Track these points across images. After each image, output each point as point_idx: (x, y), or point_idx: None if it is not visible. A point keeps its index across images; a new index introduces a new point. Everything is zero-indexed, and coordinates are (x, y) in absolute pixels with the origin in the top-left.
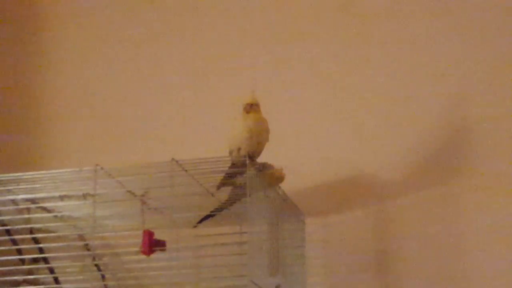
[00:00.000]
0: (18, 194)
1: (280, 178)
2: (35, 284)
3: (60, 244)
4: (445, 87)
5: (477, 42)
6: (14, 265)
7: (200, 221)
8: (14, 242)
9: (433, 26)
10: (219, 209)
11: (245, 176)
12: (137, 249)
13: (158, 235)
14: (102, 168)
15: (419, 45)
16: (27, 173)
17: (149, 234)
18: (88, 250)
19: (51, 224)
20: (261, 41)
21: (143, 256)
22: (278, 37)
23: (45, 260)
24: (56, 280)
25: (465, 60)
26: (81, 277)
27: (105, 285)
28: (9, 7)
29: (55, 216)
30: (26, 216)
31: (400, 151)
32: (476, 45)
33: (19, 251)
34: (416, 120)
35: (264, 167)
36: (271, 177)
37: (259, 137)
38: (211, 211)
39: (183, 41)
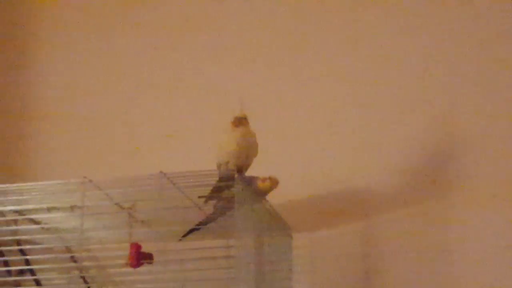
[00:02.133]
0: (6, 206)
1: (275, 182)
2: None
3: (47, 256)
4: (433, 104)
5: (466, 59)
6: (1, 276)
7: (186, 235)
8: (1, 253)
9: (421, 42)
10: (205, 223)
11: (233, 190)
12: (124, 261)
13: (145, 248)
14: (90, 181)
15: (408, 61)
16: (15, 185)
17: (136, 247)
18: (75, 262)
19: (38, 236)
20: (250, 55)
21: (130, 269)
22: (267, 50)
23: (32, 272)
24: None
25: (453, 76)
26: None
27: None
28: None
29: (43, 228)
30: (14, 227)
31: (388, 166)
32: (464, 62)
33: (6, 263)
34: (404, 136)
35: (252, 180)
36: (263, 182)
37: (247, 150)
38: (197, 225)
39: (172, 53)
